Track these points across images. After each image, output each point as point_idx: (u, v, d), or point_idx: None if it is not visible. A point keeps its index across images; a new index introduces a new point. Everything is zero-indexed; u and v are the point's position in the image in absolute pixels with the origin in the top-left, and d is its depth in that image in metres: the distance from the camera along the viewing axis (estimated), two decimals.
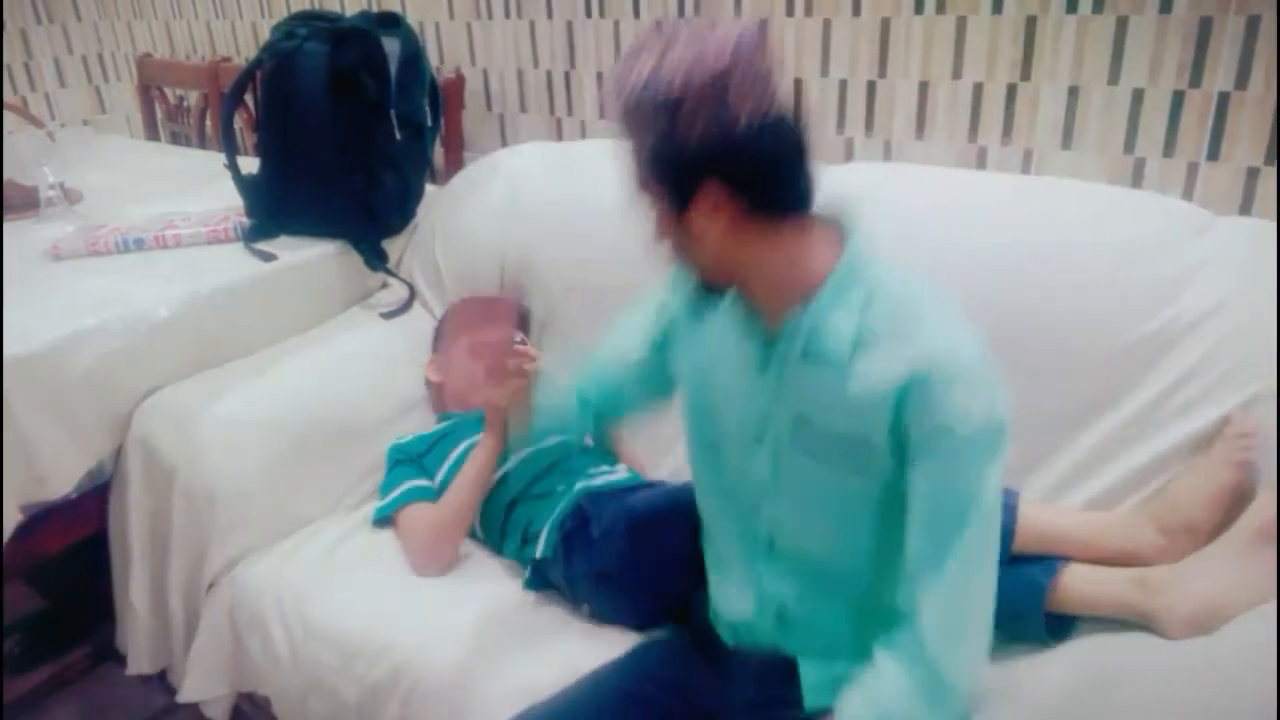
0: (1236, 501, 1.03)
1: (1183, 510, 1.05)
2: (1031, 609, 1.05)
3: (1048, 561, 1.07)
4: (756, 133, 0.78)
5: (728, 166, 0.79)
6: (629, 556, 1.17)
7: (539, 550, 1.25)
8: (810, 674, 0.97)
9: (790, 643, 0.99)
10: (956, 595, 0.83)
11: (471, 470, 1.31)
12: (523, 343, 1.33)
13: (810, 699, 0.96)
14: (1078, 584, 1.05)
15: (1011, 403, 0.83)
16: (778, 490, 0.93)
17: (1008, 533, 1.07)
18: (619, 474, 1.40)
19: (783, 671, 0.99)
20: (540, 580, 1.27)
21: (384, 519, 1.39)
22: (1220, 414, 1.08)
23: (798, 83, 0.82)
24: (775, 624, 0.99)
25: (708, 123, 0.77)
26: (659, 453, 1.51)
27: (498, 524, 1.34)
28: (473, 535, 1.38)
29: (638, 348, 1.09)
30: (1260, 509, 0.99)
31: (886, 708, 0.83)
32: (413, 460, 1.43)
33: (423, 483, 1.39)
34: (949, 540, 0.82)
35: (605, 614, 1.21)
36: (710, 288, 0.90)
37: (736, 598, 1.02)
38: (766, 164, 0.81)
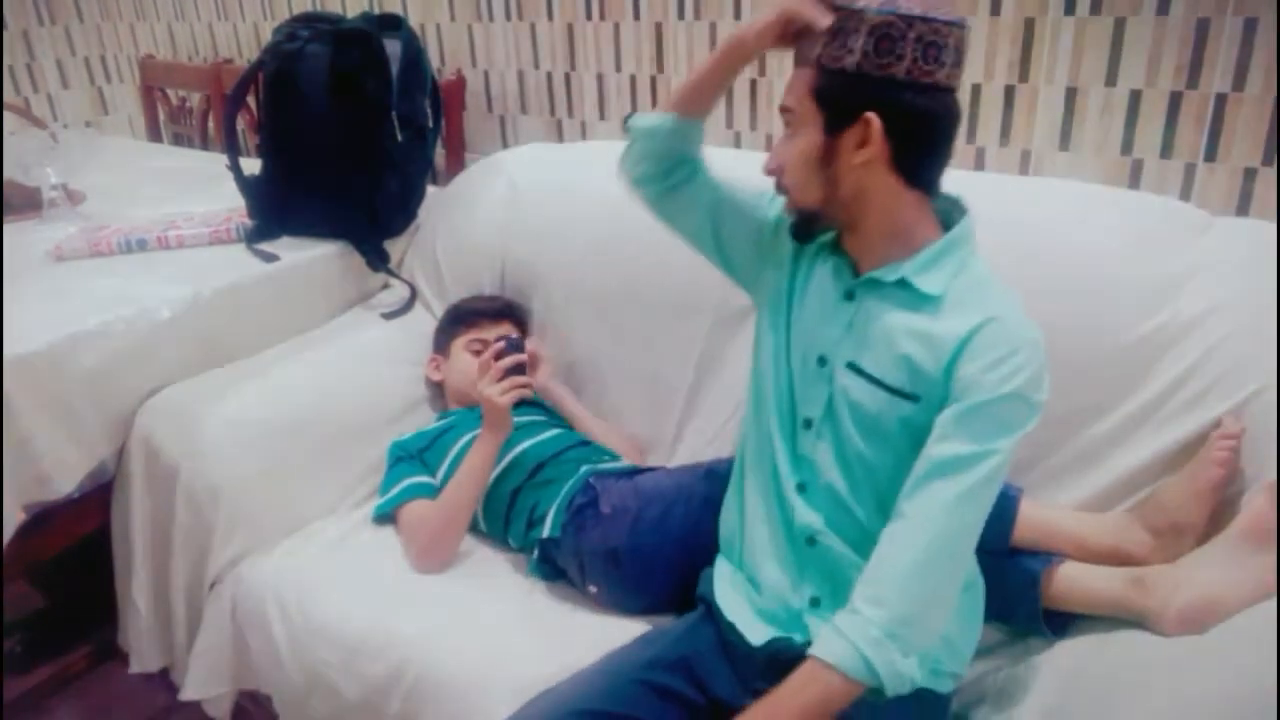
0: (1219, 499, 1.04)
1: (1169, 510, 1.06)
2: (1028, 599, 1.06)
3: (1044, 555, 1.08)
4: (935, 96, 0.86)
5: (898, 109, 0.86)
6: (640, 534, 1.18)
7: (546, 530, 1.25)
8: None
9: (808, 585, 1.01)
10: (938, 539, 0.87)
11: (470, 467, 1.32)
12: (520, 344, 1.34)
13: None
14: (1074, 581, 1.06)
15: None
16: (825, 419, 0.98)
17: (1008, 523, 1.08)
18: (623, 462, 1.41)
19: (794, 664, 0.99)
20: (547, 565, 1.28)
21: (384, 515, 1.39)
22: (1218, 413, 1.09)
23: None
24: (799, 563, 1.01)
25: (906, 62, 0.84)
26: (660, 457, 1.52)
27: (501, 512, 1.34)
28: (475, 528, 1.38)
29: (746, 195, 1.10)
30: (1251, 509, 1.00)
31: (854, 641, 0.85)
32: (414, 457, 1.44)
33: (423, 479, 1.39)
34: (947, 484, 0.86)
35: (613, 596, 1.21)
36: (809, 223, 0.96)
37: (768, 542, 1.03)
38: (927, 125, 0.88)
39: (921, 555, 0.86)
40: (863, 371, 0.94)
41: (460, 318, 1.60)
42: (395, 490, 1.38)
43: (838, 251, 0.99)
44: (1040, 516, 1.11)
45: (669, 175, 1.09)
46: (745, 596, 1.06)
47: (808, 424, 0.99)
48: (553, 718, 0.99)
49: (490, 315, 1.60)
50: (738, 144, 1.74)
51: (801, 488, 1.00)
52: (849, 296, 0.97)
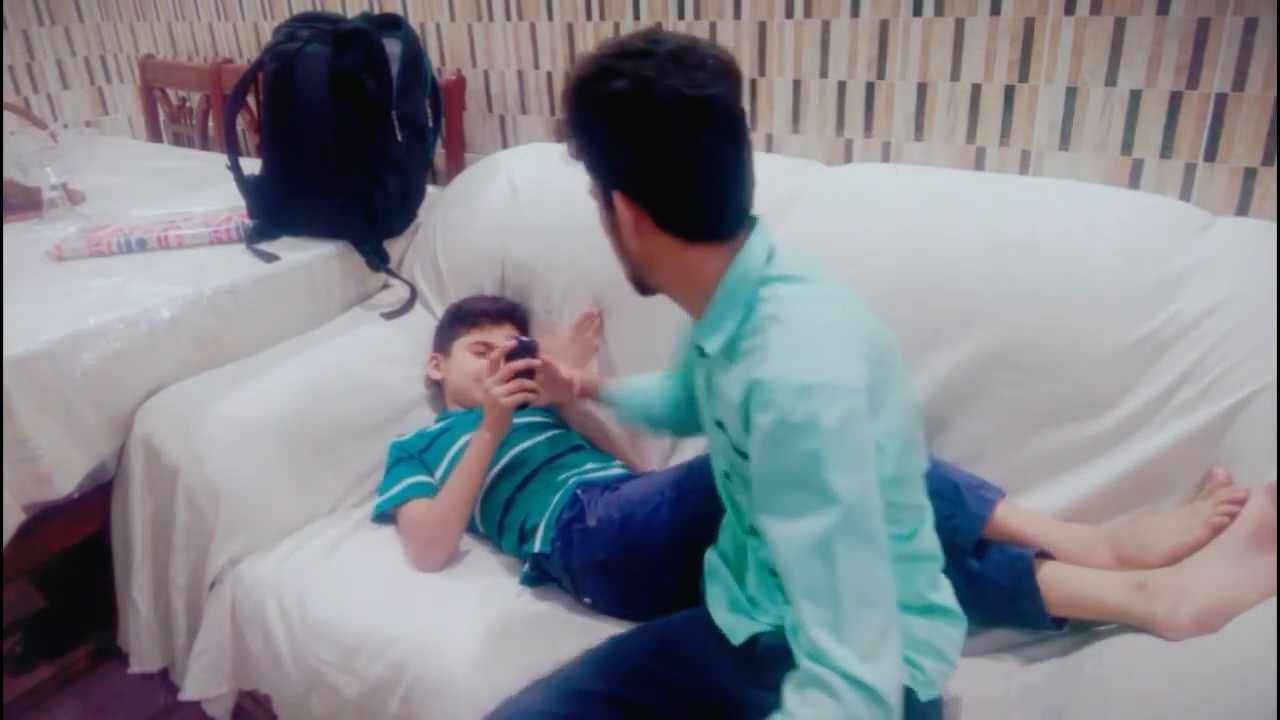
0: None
1: (1145, 548, 1.06)
2: (1026, 588, 1.06)
3: (1028, 548, 1.09)
4: (667, 161, 0.84)
5: (636, 178, 0.86)
6: (627, 544, 1.18)
7: (537, 545, 1.25)
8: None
9: (786, 607, 0.99)
10: (833, 613, 0.77)
11: (466, 465, 1.31)
12: (532, 348, 1.32)
13: None
14: (1075, 587, 1.05)
15: (907, 405, 0.83)
16: (732, 472, 0.97)
17: (980, 521, 1.11)
18: (614, 469, 1.41)
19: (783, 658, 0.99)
20: (538, 576, 1.28)
21: (384, 515, 1.39)
22: (1218, 411, 1.09)
23: (737, 109, 0.86)
24: (776, 587, 1.01)
25: (623, 139, 0.84)
26: (659, 456, 1.52)
27: (496, 519, 1.35)
28: (474, 529, 1.38)
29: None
30: (1253, 510, 0.99)
31: None
32: (413, 457, 1.44)
33: (423, 479, 1.39)
34: (798, 573, 0.79)
35: (608, 605, 1.21)
36: (638, 286, 0.97)
37: (749, 568, 1.04)
38: (672, 184, 0.85)
39: (819, 624, 0.77)
40: (724, 428, 0.93)
41: (462, 318, 1.60)
42: (395, 489, 1.38)
43: None
44: (1015, 523, 1.12)
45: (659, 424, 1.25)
46: (731, 598, 1.06)
47: (727, 476, 1.00)
48: (557, 698, 1.00)
49: (493, 316, 1.60)
50: None
51: (752, 530, 1.00)
52: (699, 352, 0.95)
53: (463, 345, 1.56)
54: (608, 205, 0.89)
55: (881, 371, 0.83)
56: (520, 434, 1.40)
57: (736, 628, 1.03)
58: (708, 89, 0.82)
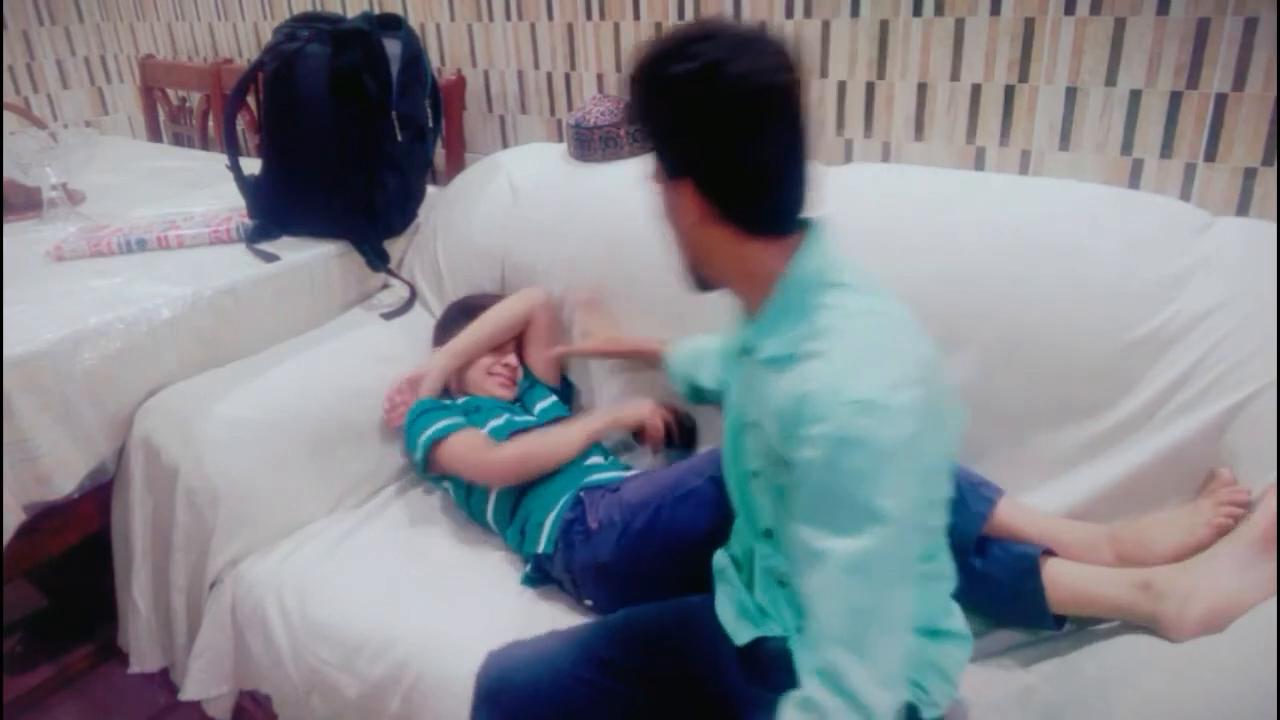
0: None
1: (1146, 547, 1.06)
2: (1030, 586, 1.06)
3: (1033, 546, 1.09)
4: (735, 148, 0.81)
5: (701, 172, 0.83)
6: (627, 546, 1.18)
7: (540, 545, 1.25)
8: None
9: (790, 615, 1.00)
10: (838, 652, 0.78)
11: (572, 436, 1.36)
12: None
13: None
14: (1079, 585, 1.05)
15: (907, 428, 0.77)
16: (761, 472, 0.96)
17: (979, 520, 1.11)
18: (618, 469, 1.41)
19: (787, 663, 0.99)
20: (540, 576, 1.28)
21: (439, 439, 1.38)
22: (1218, 411, 1.09)
23: (802, 107, 0.83)
24: (781, 598, 1.01)
25: (691, 123, 0.81)
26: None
27: (506, 512, 1.35)
28: (482, 521, 1.38)
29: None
30: (1262, 514, 0.99)
31: None
32: (462, 413, 1.45)
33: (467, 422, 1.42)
34: (813, 573, 0.79)
35: (606, 606, 1.21)
36: (695, 280, 0.94)
37: (757, 575, 1.04)
38: (740, 180, 0.83)
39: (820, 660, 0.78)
40: (752, 435, 0.92)
41: (470, 312, 1.60)
42: (446, 423, 1.38)
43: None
44: (1017, 521, 1.12)
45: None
46: (739, 603, 1.06)
47: (755, 474, 0.98)
48: (573, 659, 1.03)
49: None
50: None
51: (768, 533, 0.99)
52: (742, 357, 0.94)
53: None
54: (669, 193, 0.87)
55: (931, 398, 0.82)
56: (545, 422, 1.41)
57: (741, 631, 1.03)
58: (777, 76, 0.80)
